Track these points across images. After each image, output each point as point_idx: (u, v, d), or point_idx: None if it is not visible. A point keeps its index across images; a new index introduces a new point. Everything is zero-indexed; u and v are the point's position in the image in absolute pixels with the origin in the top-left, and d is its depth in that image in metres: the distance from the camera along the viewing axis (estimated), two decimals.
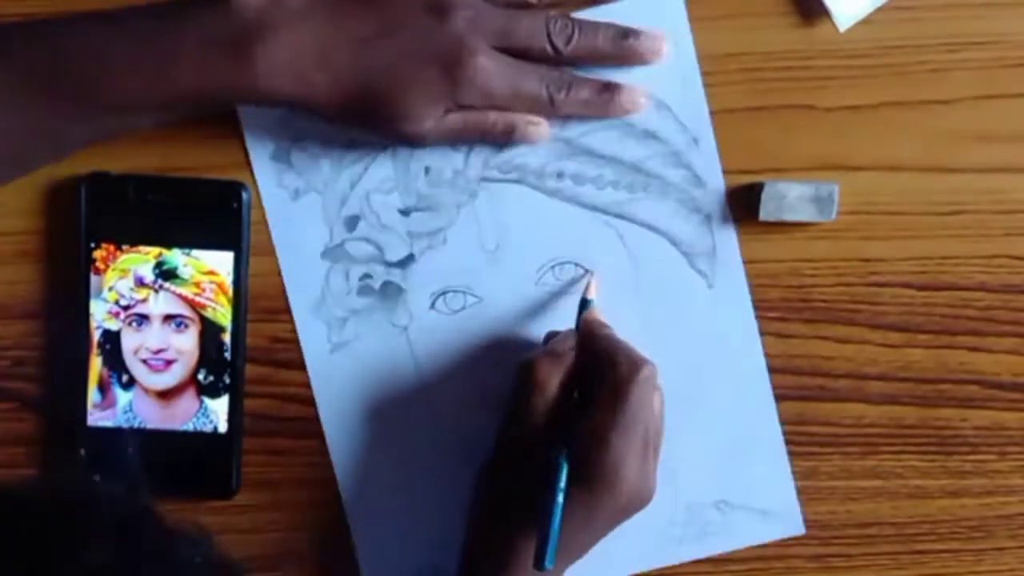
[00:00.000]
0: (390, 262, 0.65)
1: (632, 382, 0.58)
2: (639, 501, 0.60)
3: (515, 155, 0.65)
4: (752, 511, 0.67)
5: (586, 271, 0.65)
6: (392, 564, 0.67)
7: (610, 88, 0.63)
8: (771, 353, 0.66)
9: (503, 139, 0.63)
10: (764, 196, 0.64)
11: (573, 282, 0.65)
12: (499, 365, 0.65)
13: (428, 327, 0.66)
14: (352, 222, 0.65)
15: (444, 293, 0.66)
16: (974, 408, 0.67)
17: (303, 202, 0.65)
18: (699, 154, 0.65)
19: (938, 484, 0.67)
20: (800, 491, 0.67)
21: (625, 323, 0.64)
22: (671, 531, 0.67)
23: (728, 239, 0.65)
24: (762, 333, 0.66)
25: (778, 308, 0.66)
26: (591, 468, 0.58)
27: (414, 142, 0.62)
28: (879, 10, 0.64)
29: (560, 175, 0.65)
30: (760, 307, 0.66)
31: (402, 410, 0.66)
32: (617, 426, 0.57)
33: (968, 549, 0.68)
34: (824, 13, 0.64)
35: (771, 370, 0.66)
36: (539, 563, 0.57)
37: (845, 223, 0.65)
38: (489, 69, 0.60)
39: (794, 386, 0.67)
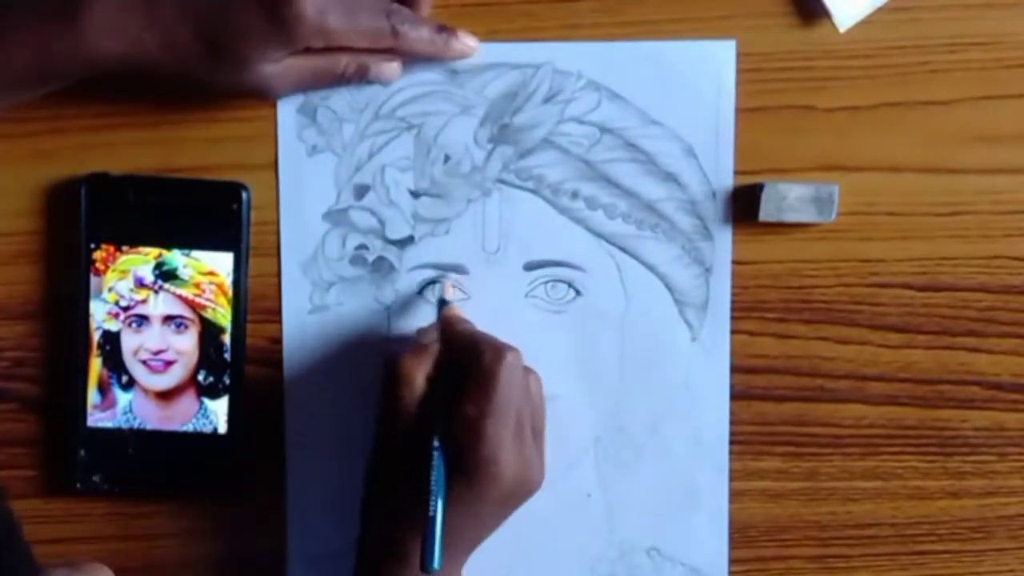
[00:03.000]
0: (389, 239, 0.66)
1: (498, 369, 0.57)
2: (525, 487, 0.59)
3: (535, 165, 0.65)
4: (682, 565, 0.67)
5: (577, 293, 0.65)
6: (320, 538, 0.66)
7: (446, 30, 0.62)
8: (771, 354, 0.66)
9: (357, 78, 0.62)
10: (764, 197, 0.64)
11: (562, 301, 0.65)
12: None
13: (410, 311, 0.66)
14: (361, 191, 0.65)
15: (434, 282, 0.66)
16: (974, 409, 0.67)
17: (317, 160, 0.65)
18: (714, 208, 0.65)
19: (938, 485, 0.67)
20: (800, 492, 0.67)
21: (601, 353, 0.65)
22: (599, 567, 0.67)
23: (723, 298, 0.65)
24: (762, 335, 0.66)
25: (778, 308, 0.66)
26: (468, 459, 0.57)
27: (262, 93, 0.62)
28: (879, 10, 0.64)
29: (575, 195, 0.65)
30: (760, 307, 0.66)
31: (364, 385, 0.65)
32: (488, 414, 0.57)
33: (968, 550, 0.68)
34: (824, 13, 0.64)
35: (771, 371, 0.66)
36: (425, 565, 0.56)
37: (845, 224, 0.65)
38: (319, 5, 0.58)
39: (794, 386, 0.67)
